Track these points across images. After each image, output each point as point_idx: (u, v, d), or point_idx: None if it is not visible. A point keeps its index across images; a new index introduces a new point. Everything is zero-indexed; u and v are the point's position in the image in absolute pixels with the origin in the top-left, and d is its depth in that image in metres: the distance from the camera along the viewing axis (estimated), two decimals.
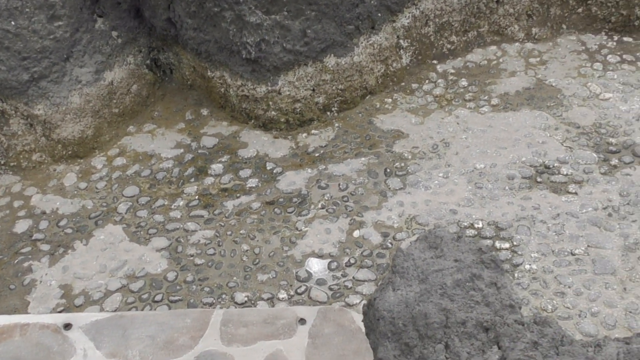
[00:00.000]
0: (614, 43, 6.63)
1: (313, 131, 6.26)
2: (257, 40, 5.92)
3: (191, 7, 6.11)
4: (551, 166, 5.46)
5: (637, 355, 1.98)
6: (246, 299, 4.88)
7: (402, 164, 5.73)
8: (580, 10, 6.75)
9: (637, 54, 6.47)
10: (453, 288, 2.22)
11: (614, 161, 5.44)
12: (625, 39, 6.66)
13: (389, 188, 5.54)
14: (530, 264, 4.74)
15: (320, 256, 5.10)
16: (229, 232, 5.41)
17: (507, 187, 5.36)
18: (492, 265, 2.28)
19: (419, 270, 2.30)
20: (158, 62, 6.95)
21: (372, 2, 6.16)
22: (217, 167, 6.04)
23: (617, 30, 6.72)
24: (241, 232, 5.40)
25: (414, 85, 6.53)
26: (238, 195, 5.76)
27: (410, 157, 5.79)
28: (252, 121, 6.42)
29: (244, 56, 6.06)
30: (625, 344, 2.09)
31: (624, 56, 6.47)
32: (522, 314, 2.22)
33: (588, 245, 4.81)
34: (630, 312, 4.34)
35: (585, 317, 4.36)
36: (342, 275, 4.93)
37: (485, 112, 6.11)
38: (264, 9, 5.83)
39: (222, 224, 5.50)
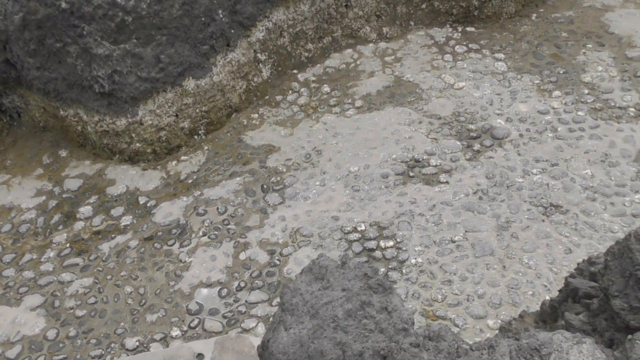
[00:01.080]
0: (459, 34, 7.15)
1: (183, 157, 6.22)
2: (108, 72, 5.79)
3: (30, 46, 5.86)
4: (421, 159, 5.80)
5: (527, 350, 2.16)
6: (137, 343, 4.75)
7: (278, 178, 5.84)
8: (424, 6, 7.22)
9: (481, 42, 7.02)
10: (345, 319, 2.28)
11: (477, 146, 5.87)
12: (468, 29, 7.20)
13: (269, 204, 5.63)
14: (415, 258, 5.00)
15: (209, 285, 5.08)
16: (109, 277, 5.24)
17: (383, 186, 5.62)
18: (380, 290, 2.36)
19: (308, 305, 2.35)
20: (2, 107, 6.59)
21: (223, 19, 6.22)
22: (85, 210, 5.82)
23: (460, 22, 7.26)
24: (122, 274, 5.25)
25: (278, 98, 6.67)
26: (113, 235, 5.59)
27: (285, 170, 5.91)
28: (117, 156, 6.26)
29: (97, 90, 5.89)
30: (515, 340, 2.28)
31: (470, 45, 7.00)
32: (417, 332, 2.32)
33: (466, 231, 5.16)
34: (512, 288, 4.71)
35: (473, 300, 4.68)
36: (234, 300, 4.94)
37: (351, 115, 6.37)
38: (111, 39, 5.71)
39: (101, 269, 5.32)
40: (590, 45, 6.80)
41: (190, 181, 5.96)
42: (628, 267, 2.48)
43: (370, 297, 2.39)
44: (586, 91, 6.26)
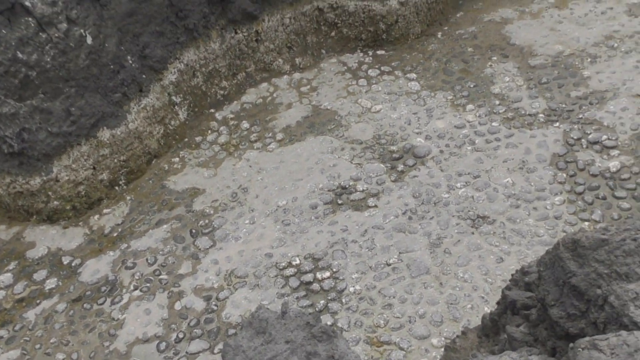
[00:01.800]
0: (371, 58, 7.35)
1: (105, 211, 6.07)
2: (16, 131, 5.60)
3: None
4: (347, 186, 5.89)
5: None
6: None
7: (207, 221, 5.79)
8: (333, 34, 7.39)
9: (392, 64, 7.24)
10: None
11: (400, 167, 6.02)
12: (379, 52, 7.42)
13: (200, 249, 5.56)
14: (353, 286, 5.05)
15: (146, 340, 4.95)
16: (37, 346, 5.02)
17: (313, 217, 5.66)
18: (325, 337, 2.34)
19: None
20: None
21: (133, 65, 6.16)
22: (5, 278, 5.57)
23: (370, 46, 7.47)
24: (52, 341, 5.04)
25: (198, 139, 6.64)
26: (38, 301, 5.37)
27: (212, 212, 5.87)
28: (35, 217, 6.04)
29: (5, 151, 5.69)
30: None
31: (382, 68, 7.21)
32: None
33: (399, 252, 5.26)
34: (451, 303, 4.83)
35: (415, 321, 4.76)
36: (174, 353, 4.83)
37: (274, 149, 6.41)
38: (16, 96, 5.54)
39: (28, 339, 5.08)
40: (495, 58, 7.13)
41: (115, 234, 5.82)
42: (561, 276, 2.59)
43: (315, 346, 2.37)
44: (497, 102, 6.55)
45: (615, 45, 7.02)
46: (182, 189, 6.13)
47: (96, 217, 6.01)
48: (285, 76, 7.22)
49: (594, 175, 5.63)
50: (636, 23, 7.30)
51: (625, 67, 6.72)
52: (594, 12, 7.59)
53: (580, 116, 6.23)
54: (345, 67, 7.27)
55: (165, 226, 5.79)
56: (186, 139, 6.62)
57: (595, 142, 5.93)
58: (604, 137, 5.95)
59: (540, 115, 6.33)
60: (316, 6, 7.16)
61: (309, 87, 7.07)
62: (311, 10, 7.15)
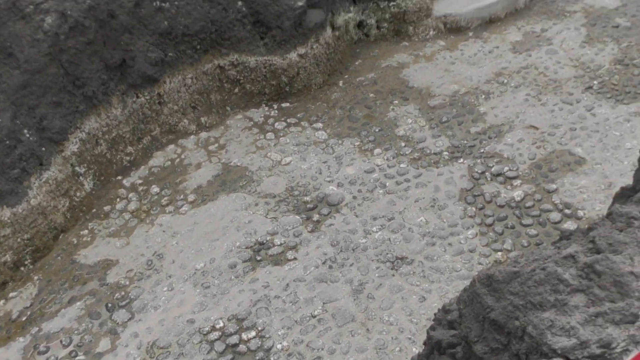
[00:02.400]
0: (276, 111, 7.47)
1: (11, 294, 5.76)
2: None
3: None
4: (265, 241, 5.88)
5: None
6: None
7: (122, 293, 5.60)
8: (236, 90, 7.47)
9: (298, 115, 7.38)
10: None
11: (316, 216, 6.08)
12: (283, 105, 7.55)
13: (117, 323, 5.36)
14: (281, 342, 5.00)
15: None
16: None
17: (233, 277, 5.60)
18: None
19: None
20: None
21: (31, 139, 5.97)
22: None
23: (275, 99, 7.60)
24: None
25: (107, 208, 6.47)
26: None
27: (128, 282, 5.69)
28: None
29: None
30: None
31: (289, 120, 7.33)
32: None
33: (323, 303, 5.27)
34: (380, 348, 4.86)
35: None
36: None
37: (186, 211, 6.33)
38: None
39: None
40: (396, 102, 7.41)
41: (24, 318, 5.52)
42: (480, 312, 2.68)
43: None
44: (403, 144, 6.79)
45: (505, 81, 7.47)
46: (94, 262, 5.93)
47: (1, 302, 5.69)
48: (192, 136, 7.20)
49: (501, 206, 5.90)
50: (521, 59, 7.82)
51: (517, 100, 7.16)
52: (482, 51, 8.08)
53: (482, 150, 6.55)
54: (252, 122, 7.34)
55: (78, 303, 5.55)
56: (94, 210, 6.44)
57: (499, 174, 6.24)
58: (506, 168, 6.27)
59: (445, 153, 6.60)
60: (217, 64, 7.23)
61: (217, 145, 7.08)
62: (212, 68, 7.21)
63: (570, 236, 2.67)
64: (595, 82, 7.27)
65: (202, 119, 7.27)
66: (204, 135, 7.22)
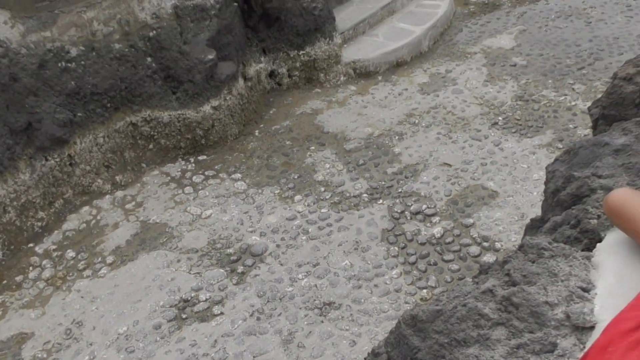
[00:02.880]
0: (193, 165, 7.42)
1: None
2: None
3: None
4: (189, 298, 5.76)
5: None
6: None
7: None
8: (151, 146, 7.38)
9: (216, 167, 7.36)
10: None
11: (240, 268, 6.03)
12: (200, 158, 7.52)
13: None
14: None
15: None
16: None
17: (158, 338, 5.43)
18: None
19: None
20: None
21: None
22: None
23: (191, 153, 7.55)
24: None
25: (19, 278, 6.17)
26: None
27: (45, 355, 5.40)
28: None
29: None
30: None
31: (206, 173, 7.29)
32: None
33: (253, 357, 5.18)
34: None
35: None
36: None
37: (105, 273, 6.13)
38: None
39: None
40: (313, 147, 7.53)
41: None
42: (408, 353, 2.72)
43: None
44: (322, 189, 6.87)
45: (416, 121, 7.76)
46: (7, 337, 5.61)
47: None
48: (108, 196, 7.03)
49: (422, 244, 6.05)
50: (429, 100, 8.15)
51: (429, 139, 7.43)
52: (392, 94, 8.37)
53: (400, 190, 6.72)
54: (169, 177, 7.25)
55: None
56: (5, 281, 6.12)
57: (417, 212, 6.41)
58: (424, 206, 6.45)
59: (364, 195, 6.73)
60: (129, 121, 7.14)
61: (134, 203, 6.93)
62: (125, 126, 7.12)
63: (488, 270, 2.77)
64: (500, 118, 7.66)
65: (117, 178, 7.12)
66: (119, 194, 7.06)
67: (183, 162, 7.43)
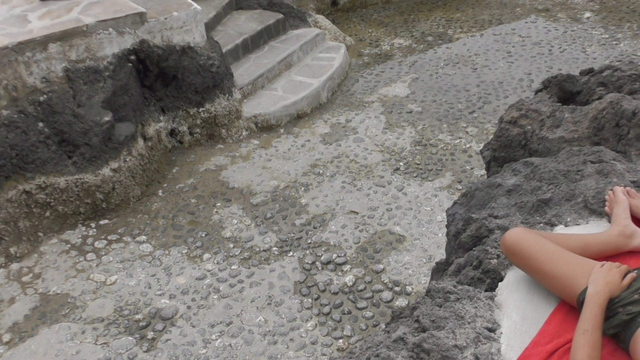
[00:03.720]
0: (95, 230, 7.17)
1: None
2: None
3: None
4: None
5: None
6: None
7: None
8: (48, 214, 7.09)
9: (119, 230, 7.15)
10: None
11: (150, 334, 5.82)
12: (102, 222, 7.28)
13: None
14: None
15: None
16: None
17: None
18: None
19: None
20: None
21: None
22: None
23: (92, 218, 7.31)
24: None
25: None
26: None
27: None
28: None
29: None
30: None
31: (109, 237, 7.06)
32: None
33: None
34: None
35: None
36: None
37: (2, 353, 5.73)
38: None
39: None
40: (219, 204, 7.49)
41: None
42: None
43: None
44: (231, 245, 6.82)
45: (321, 171, 7.91)
46: None
47: None
48: (1, 270, 6.65)
49: (335, 293, 6.09)
50: (332, 149, 8.35)
51: (334, 189, 7.58)
52: (295, 145, 8.51)
53: (309, 241, 6.77)
54: (69, 245, 6.97)
55: None
56: None
57: (328, 262, 6.47)
58: (334, 255, 6.53)
59: (274, 248, 6.73)
60: (22, 190, 6.84)
61: (31, 275, 6.59)
62: (17, 194, 6.81)
63: (400, 316, 2.84)
64: (401, 163, 7.94)
65: (12, 250, 6.76)
66: (15, 266, 6.70)
67: (84, 228, 7.17)
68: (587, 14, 12.76)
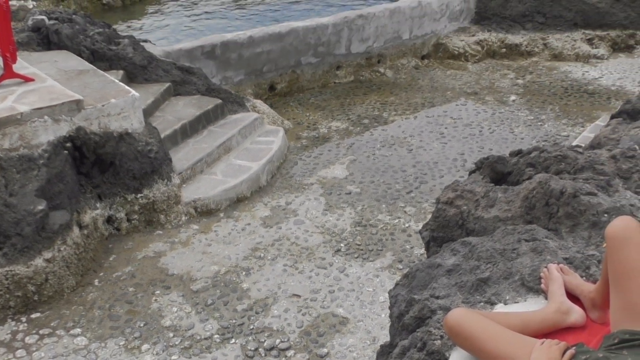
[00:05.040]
0: (25, 324, 6.86)
1: None
2: None
3: None
4: None
5: None
6: None
7: None
8: None
9: (52, 324, 6.85)
10: None
11: None
12: (33, 316, 6.98)
13: None
14: None
15: None
16: None
17: None
18: None
19: None
20: None
21: None
22: None
23: (22, 312, 7.00)
24: None
25: None
26: None
27: None
28: None
29: None
30: None
31: (41, 332, 6.75)
32: None
33: None
34: None
35: None
36: None
37: None
38: None
39: None
40: (158, 292, 7.32)
41: None
42: None
43: None
44: (171, 334, 6.63)
45: (262, 255, 7.88)
46: None
47: None
48: None
49: None
50: (272, 232, 8.37)
51: (276, 272, 7.54)
52: (236, 229, 8.50)
53: (252, 327, 6.66)
54: None
55: None
56: None
57: (272, 348, 6.36)
58: (278, 340, 6.43)
59: (216, 336, 6.58)
60: None
61: None
62: None
63: None
64: (342, 245, 8.02)
65: None
66: None
67: (13, 323, 6.85)
68: (513, 97, 13.50)
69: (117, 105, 8.12)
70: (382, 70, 15.08)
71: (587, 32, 16.46)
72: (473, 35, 16.35)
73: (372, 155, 10.75)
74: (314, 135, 11.74)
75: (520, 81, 14.54)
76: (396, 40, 15.30)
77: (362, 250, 7.91)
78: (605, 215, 3.25)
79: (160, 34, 17.54)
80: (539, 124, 11.99)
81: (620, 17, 16.44)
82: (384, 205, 9.01)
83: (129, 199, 8.44)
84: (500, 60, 16.01)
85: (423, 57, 16.02)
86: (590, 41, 16.32)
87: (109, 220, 8.46)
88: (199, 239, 8.34)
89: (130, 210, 8.50)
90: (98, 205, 8.23)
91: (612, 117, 5.64)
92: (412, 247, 7.90)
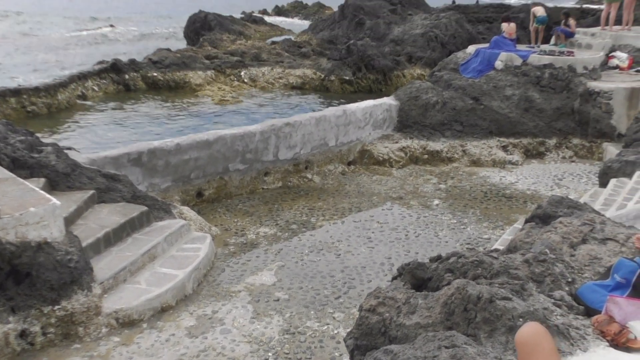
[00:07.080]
0: None
1: None
2: None
3: None
4: None
5: None
6: None
7: None
8: None
9: None
10: None
11: None
12: None
13: None
14: None
15: None
16: None
17: None
18: None
19: None
20: None
21: None
22: None
23: None
24: None
25: None
26: None
27: None
28: None
29: None
30: None
31: None
32: None
33: None
34: None
35: None
36: None
37: None
38: None
39: None
40: None
41: None
42: None
43: None
44: None
45: None
46: None
47: None
48: None
49: None
50: (198, 343, 8.06)
51: None
52: (159, 341, 8.14)
53: None
54: None
55: None
56: None
57: None
58: None
59: None
60: None
61: None
62: None
63: None
64: (270, 354, 7.78)
65: None
66: None
67: None
68: (436, 201, 13.92)
69: (36, 214, 7.87)
70: (309, 176, 15.34)
71: (501, 139, 17.44)
72: (396, 142, 17.00)
73: (301, 260, 10.71)
74: (241, 241, 11.65)
75: (442, 186, 15.06)
76: (323, 147, 15.70)
77: (290, 359, 7.69)
78: (521, 319, 3.31)
79: (85, 141, 17.42)
80: (462, 227, 12.34)
81: (529, 126, 17.56)
82: (312, 312, 8.89)
83: (46, 312, 8.00)
84: (422, 165, 16.61)
85: (349, 163, 16.44)
86: (504, 148, 17.25)
87: (22, 334, 7.95)
88: (120, 352, 7.93)
89: (46, 323, 8.04)
90: (10, 319, 7.76)
91: (526, 221, 5.88)
92: (341, 355, 7.75)
